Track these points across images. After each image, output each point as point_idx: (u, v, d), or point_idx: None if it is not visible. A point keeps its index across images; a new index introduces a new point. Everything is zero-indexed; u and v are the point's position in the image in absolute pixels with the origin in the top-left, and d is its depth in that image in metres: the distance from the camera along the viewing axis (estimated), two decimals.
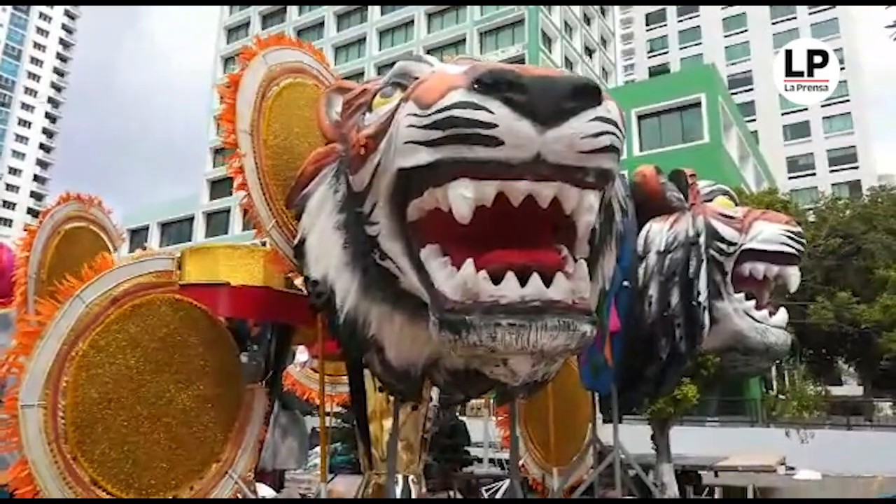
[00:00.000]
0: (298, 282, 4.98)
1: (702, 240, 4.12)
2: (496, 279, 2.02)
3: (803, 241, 4.42)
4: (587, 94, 1.94)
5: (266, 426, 3.71)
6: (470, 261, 2.07)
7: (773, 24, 56.49)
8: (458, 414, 14.29)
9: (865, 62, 56.51)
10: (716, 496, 11.44)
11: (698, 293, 4.03)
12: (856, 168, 50.54)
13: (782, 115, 54.30)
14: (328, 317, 2.94)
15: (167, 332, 3.12)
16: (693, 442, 14.95)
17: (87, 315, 2.88)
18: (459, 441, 13.09)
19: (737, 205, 4.55)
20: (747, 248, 4.26)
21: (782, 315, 4.36)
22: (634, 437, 6.51)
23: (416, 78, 2.46)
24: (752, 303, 4.30)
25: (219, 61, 57.43)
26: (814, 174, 50.76)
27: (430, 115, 2.03)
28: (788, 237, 4.29)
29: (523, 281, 2.01)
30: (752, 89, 54.91)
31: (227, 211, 51.51)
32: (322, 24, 50.94)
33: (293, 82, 3.56)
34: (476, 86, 1.95)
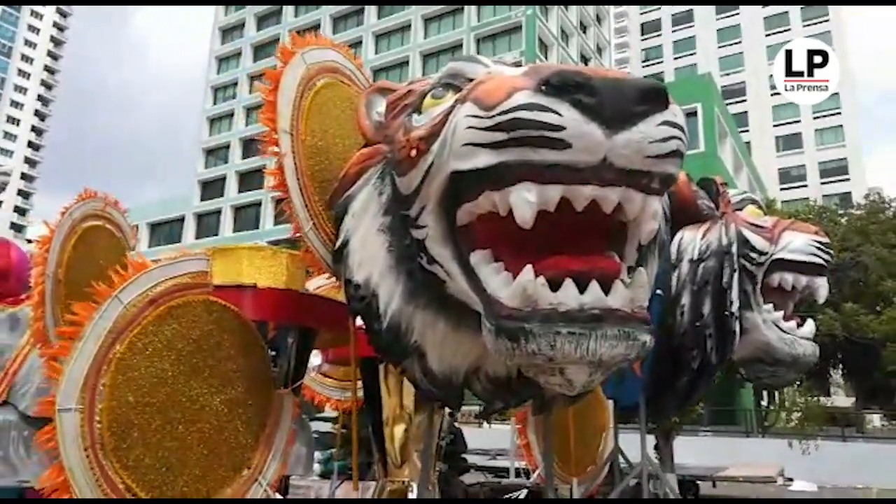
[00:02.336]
0: (311, 284, 4.95)
1: (734, 249, 4.09)
2: (554, 286, 1.96)
3: (831, 252, 4.40)
4: (656, 98, 1.89)
5: (294, 432, 3.62)
6: (529, 267, 2.00)
7: (767, 35, 57.02)
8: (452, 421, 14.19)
9: (857, 76, 57.05)
10: None
11: (731, 303, 4.00)
12: (846, 180, 51.01)
13: (774, 126, 54.94)
14: (368, 322, 2.88)
15: (201, 334, 3.04)
16: (689, 452, 14.91)
17: (124, 316, 2.79)
18: (458, 448, 12.99)
19: (765, 214, 4.53)
20: (777, 258, 4.23)
21: (810, 326, 4.34)
22: (635, 447, 6.47)
23: (470, 79, 2.40)
24: (781, 314, 4.27)
25: (213, 62, 57.34)
26: (805, 186, 51.23)
27: (493, 116, 1.97)
28: (817, 248, 4.27)
29: (581, 288, 1.95)
30: (745, 100, 55.39)
31: (218, 212, 51.41)
32: (318, 26, 50.84)
33: (329, 82, 3.49)
34: (543, 87, 1.89)
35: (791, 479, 13.44)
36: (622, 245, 2.23)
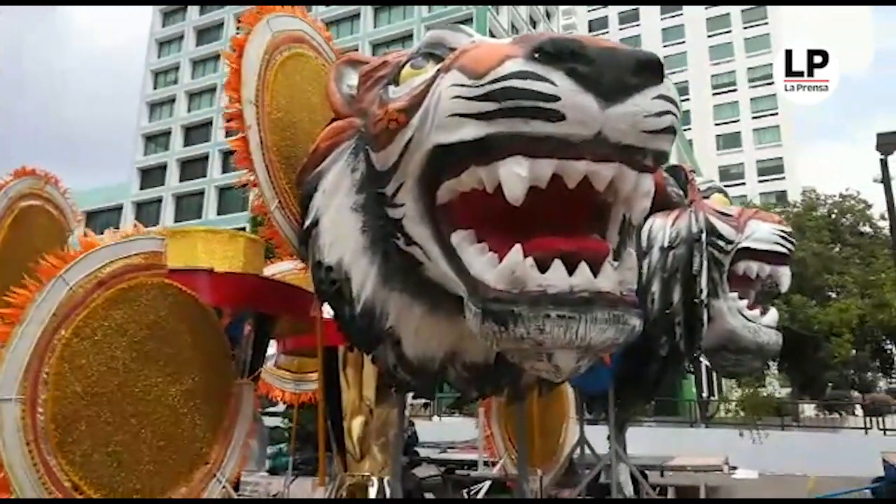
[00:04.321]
0: (269, 271, 4.73)
1: (703, 237, 4.07)
2: (542, 267, 1.84)
3: (793, 241, 4.43)
4: (651, 70, 1.79)
5: (255, 425, 3.43)
6: (518, 247, 1.87)
7: (710, 36, 58.48)
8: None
9: None
10: (668, 496, 11.63)
11: (700, 291, 3.98)
12: (782, 179, 52.77)
13: (715, 125, 56.37)
14: (338, 306, 2.71)
15: (155, 319, 2.81)
16: (636, 442, 15.14)
17: (70, 298, 2.54)
18: (410, 441, 12.90)
19: (731, 203, 4.53)
20: (743, 246, 4.24)
21: (773, 315, 4.37)
22: (592, 438, 6.49)
23: (453, 49, 2.25)
24: (745, 302, 4.28)
25: (153, 45, 55.41)
26: (744, 183, 52.67)
27: (482, 85, 1.83)
28: (781, 237, 4.29)
29: (569, 269, 1.84)
30: (688, 99, 56.62)
31: (159, 201, 49.82)
32: None
33: (295, 53, 3.29)
34: (536, 55, 1.76)
35: (735, 468, 13.78)
36: (605, 226, 2.13)
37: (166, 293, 2.89)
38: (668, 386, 4.89)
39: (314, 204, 2.67)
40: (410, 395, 4.00)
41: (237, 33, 3.03)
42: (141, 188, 51.61)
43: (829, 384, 27.72)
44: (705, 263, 4.04)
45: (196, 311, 3.02)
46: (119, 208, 50.84)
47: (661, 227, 4.10)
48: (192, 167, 49.63)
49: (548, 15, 51.36)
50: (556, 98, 1.71)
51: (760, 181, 53.50)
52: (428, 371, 2.68)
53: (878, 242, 24.10)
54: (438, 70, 2.15)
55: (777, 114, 54.27)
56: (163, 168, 51.19)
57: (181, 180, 50.16)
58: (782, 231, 4.32)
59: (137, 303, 2.77)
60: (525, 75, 1.75)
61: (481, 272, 1.97)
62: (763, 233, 4.26)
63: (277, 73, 3.09)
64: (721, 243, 4.15)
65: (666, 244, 4.06)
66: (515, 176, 1.82)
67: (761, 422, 18.76)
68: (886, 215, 24.15)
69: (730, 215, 4.29)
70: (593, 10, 66.00)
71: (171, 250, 3.23)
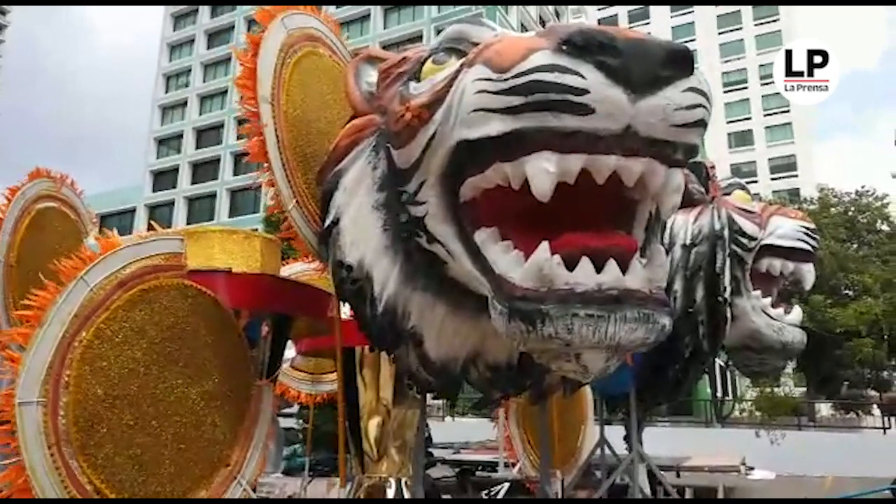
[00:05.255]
0: (288, 271, 4.71)
1: (726, 234, 4.00)
2: (569, 265, 1.79)
3: (818, 238, 4.35)
4: (682, 62, 1.73)
5: (274, 427, 3.40)
6: (545, 244, 1.82)
7: (720, 33, 58.22)
8: None
9: None
10: (686, 496, 11.55)
11: (724, 289, 3.91)
12: (795, 176, 52.43)
13: (727, 123, 56.04)
14: (359, 306, 2.67)
15: (175, 320, 2.79)
16: (651, 443, 15.04)
17: (91, 300, 2.52)
18: (425, 443, 12.88)
19: (752, 199, 4.46)
20: (766, 243, 4.16)
21: (797, 313, 4.29)
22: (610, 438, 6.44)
23: (476, 43, 2.21)
24: (769, 300, 4.21)
25: (164, 49, 55.79)
26: (756, 181, 52.32)
27: (508, 79, 1.78)
28: (805, 233, 4.22)
29: (597, 267, 1.79)
30: None
31: (171, 203, 50.16)
32: None
33: (310, 51, 3.26)
34: (564, 47, 1.71)
35: (752, 468, 13.66)
36: (631, 222, 2.08)
37: (186, 294, 2.86)
38: (690, 386, 4.81)
39: (335, 202, 2.64)
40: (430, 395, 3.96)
41: (250, 34, 3.00)
42: (153, 191, 52.04)
43: (846, 382, 27.46)
44: (728, 261, 3.97)
45: (215, 312, 2.99)
46: (132, 211, 51.26)
47: (683, 225, 4.04)
48: (204, 170, 49.98)
49: (557, 15, 51.26)
50: (585, 91, 1.67)
51: (773, 179, 53.18)
52: (450, 371, 2.64)
53: None
54: (462, 65, 2.10)
55: (789, 111, 53.93)
56: (175, 171, 51.58)
57: (193, 183, 50.52)
58: (806, 228, 4.24)
59: (158, 304, 2.74)
60: (552, 68, 1.70)
61: (507, 270, 1.92)
62: (786, 229, 4.18)
63: (293, 71, 3.06)
64: (744, 240, 4.08)
65: (688, 241, 3.99)
66: (543, 171, 1.77)
67: (777, 422, 18.60)
68: None
69: (752, 212, 4.21)
70: (602, 8, 65.82)
71: (189, 251, 3.21)
